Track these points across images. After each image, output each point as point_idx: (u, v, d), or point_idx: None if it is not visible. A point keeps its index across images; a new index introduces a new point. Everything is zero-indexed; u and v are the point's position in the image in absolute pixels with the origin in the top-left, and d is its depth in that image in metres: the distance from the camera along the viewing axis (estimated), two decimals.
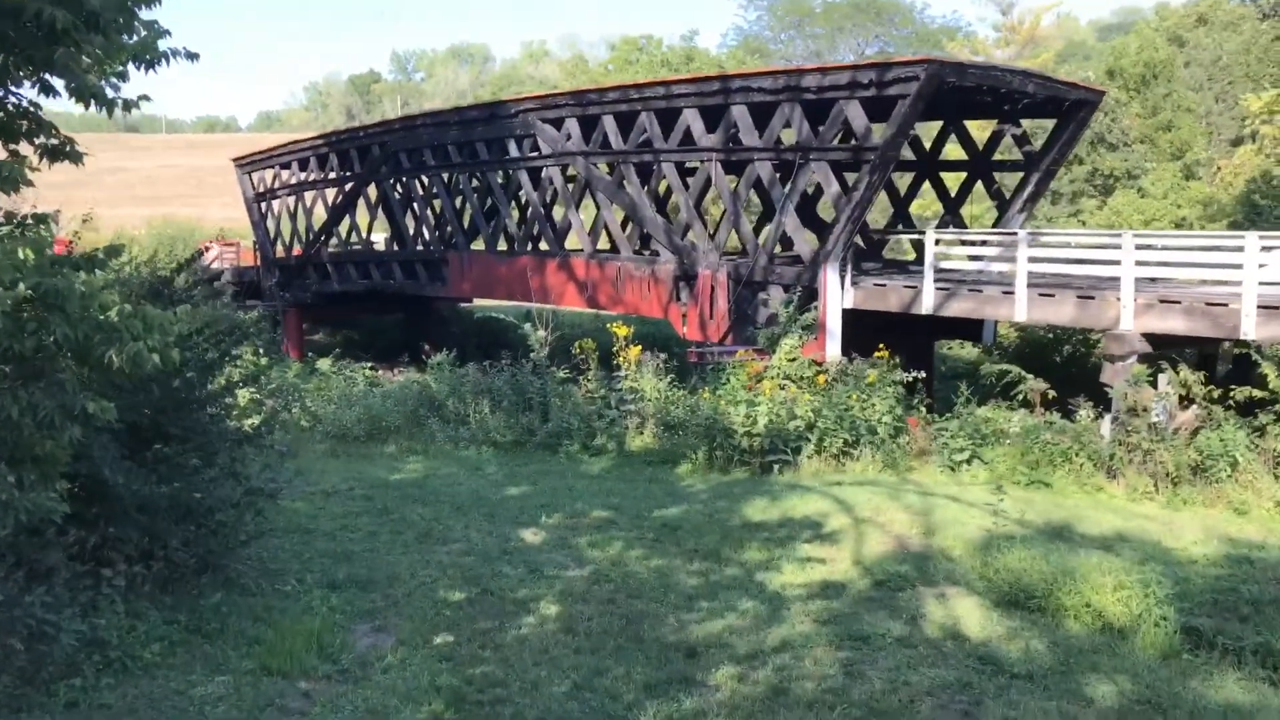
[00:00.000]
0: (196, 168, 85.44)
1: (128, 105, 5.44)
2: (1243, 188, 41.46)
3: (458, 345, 18.56)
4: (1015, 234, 14.78)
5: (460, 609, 7.69)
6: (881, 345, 14.91)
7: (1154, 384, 13.40)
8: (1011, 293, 14.53)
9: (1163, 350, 13.35)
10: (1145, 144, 49.44)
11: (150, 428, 7.58)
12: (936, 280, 15.60)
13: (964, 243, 16.16)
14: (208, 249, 46.92)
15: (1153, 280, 14.11)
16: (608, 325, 20.13)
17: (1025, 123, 19.91)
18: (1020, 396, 14.87)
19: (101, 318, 5.03)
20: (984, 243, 16.00)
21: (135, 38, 5.16)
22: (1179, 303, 12.78)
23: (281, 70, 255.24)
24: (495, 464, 13.93)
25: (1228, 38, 54.00)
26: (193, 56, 5.57)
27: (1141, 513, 11.35)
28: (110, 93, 5.37)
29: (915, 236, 18.70)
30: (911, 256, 22.81)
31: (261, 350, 18.31)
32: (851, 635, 6.74)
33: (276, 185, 36.05)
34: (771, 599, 7.75)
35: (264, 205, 36.74)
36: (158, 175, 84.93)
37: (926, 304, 15.55)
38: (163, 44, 5.30)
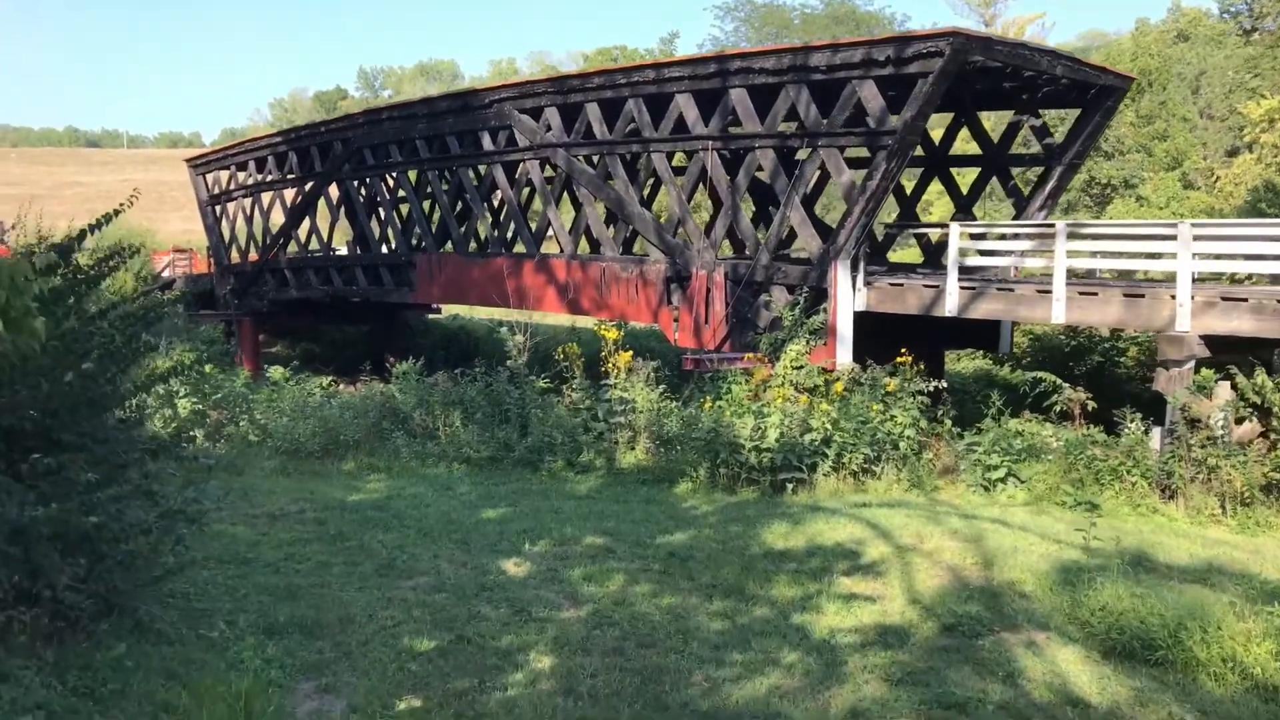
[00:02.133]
0: (157, 182, 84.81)
1: None
2: (1245, 197, 40.87)
3: (427, 358, 17.15)
4: (1052, 225, 13.56)
5: (430, 662, 6.26)
6: (903, 350, 13.61)
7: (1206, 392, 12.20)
8: (1048, 291, 13.29)
9: (1220, 355, 12.13)
10: (1140, 153, 48.91)
11: (35, 433, 6.09)
12: (961, 278, 14.34)
13: (992, 236, 14.92)
14: (160, 258, 45.23)
15: (1198, 279, 12.89)
16: (595, 328, 18.79)
17: (1044, 114, 18.78)
18: (1057, 408, 13.64)
19: None
20: (1015, 235, 14.78)
21: None
22: (1245, 300, 11.58)
23: (248, 87, 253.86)
24: (468, 483, 12.52)
25: (1210, 52, 53.78)
26: None
27: (1217, 538, 10.12)
28: None
29: (933, 230, 17.45)
30: (919, 260, 21.62)
31: (205, 355, 16.83)
32: (940, 701, 5.37)
33: (232, 187, 34.50)
34: (819, 649, 6.37)
35: (219, 208, 35.19)
36: (117, 189, 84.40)
37: (950, 305, 14.30)
38: None
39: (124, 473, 6.63)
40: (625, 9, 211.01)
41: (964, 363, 22.69)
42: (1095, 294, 13.07)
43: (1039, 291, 13.56)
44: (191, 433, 7.66)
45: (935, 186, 22.02)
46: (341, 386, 19.54)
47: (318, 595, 7.87)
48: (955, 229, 14.42)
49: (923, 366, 14.40)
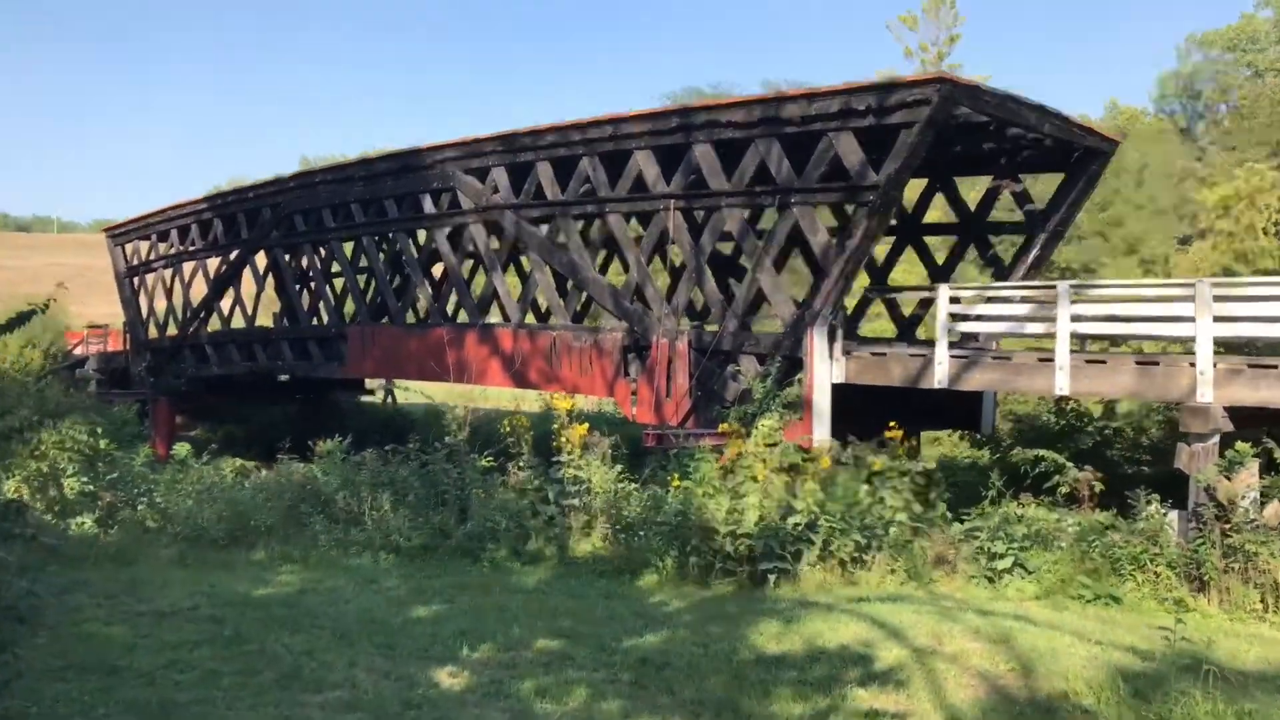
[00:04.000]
0: (86, 266, 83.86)
1: None
2: None
3: (357, 440, 15.65)
4: (1054, 286, 12.61)
5: None
6: (891, 424, 12.47)
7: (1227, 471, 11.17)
8: (1050, 360, 12.27)
9: (1244, 429, 11.15)
10: (1099, 237, 49.35)
11: None
12: (952, 346, 13.30)
13: (987, 300, 13.94)
14: (75, 338, 43.08)
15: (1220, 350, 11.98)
16: (543, 406, 17.44)
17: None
18: (1062, 490, 12.52)
19: None
20: (1008, 300, 13.83)
21: None
22: (1275, 367, 10.61)
23: (188, 175, 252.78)
24: (397, 575, 11.00)
25: (1149, 149, 55.05)
26: None
27: (1273, 637, 8.93)
28: None
29: (914, 295, 16.49)
30: (891, 333, 20.69)
31: (99, 433, 15.17)
32: None
33: (152, 257, 32.86)
34: None
35: (137, 280, 33.48)
36: (44, 273, 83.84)
37: (940, 375, 13.24)
38: None
39: None
40: (580, 100, 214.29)
41: (941, 445, 21.64)
42: (1103, 362, 12.10)
43: (1040, 360, 12.54)
44: (28, 505, 6.11)
45: (906, 257, 21.23)
46: (261, 471, 17.86)
47: (198, 716, 6.36)
48: (944, 292, 13.44)
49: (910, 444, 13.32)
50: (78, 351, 40.96)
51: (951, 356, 13.23)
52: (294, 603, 9.60)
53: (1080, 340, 12.67)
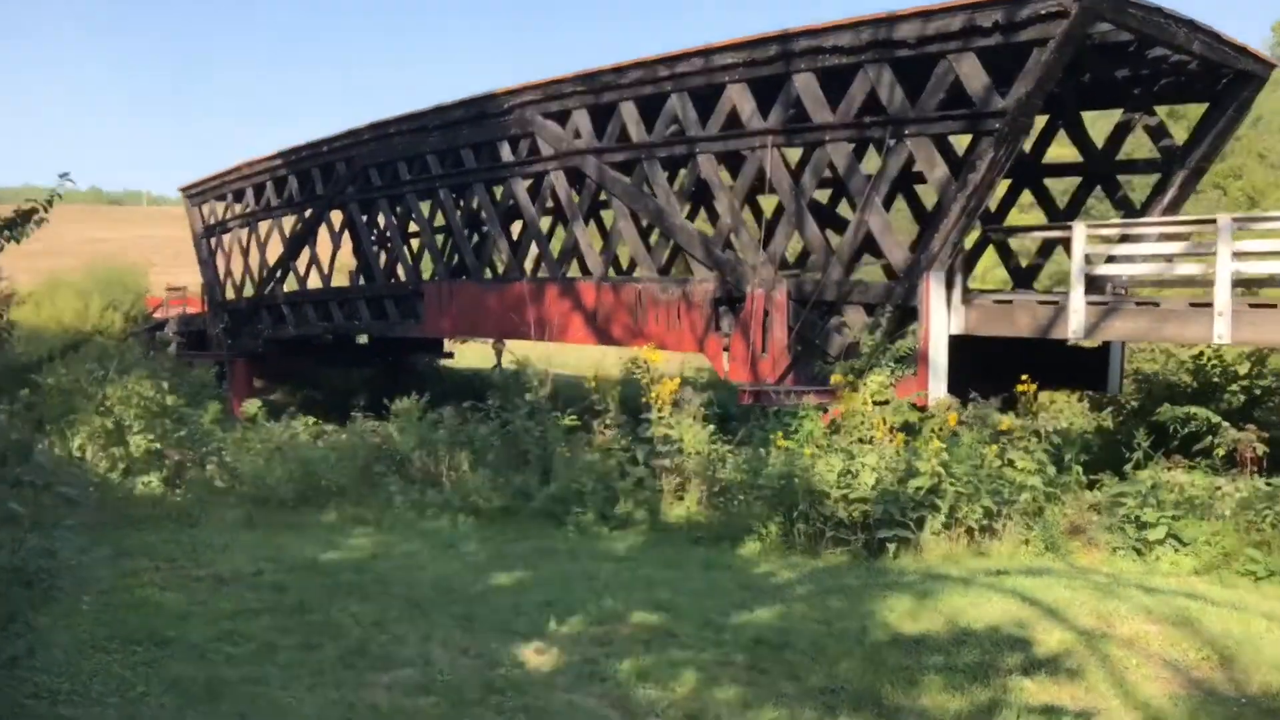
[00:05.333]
0: (174, 238, 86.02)
1: None
2: None
3: (436, 403, 14.98)
4: (1213, 220, 11.22)
5: None
6: (1024, 378, 11.28)
7: None
8: (1206, 305, 10.91)
9: None
10: (1217, 190, 46.61)
11: None
12: (1089, 291, 11.99)
13: (1125, 239, 12.54)
14: (156, 302, 43.44)
15: None
16: (626, 366, 16.49)
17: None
18: (1218, 453, 11.21)
19: None
20: (1156, 237, 12.42)
21: None
22: None
23: (274, 147, 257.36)
24: (476, 540, 10.23)
25: (1271, 94, 51.68)
26: None
27: None
28: None
29: (1046, 235, 15.12)
30: (1005, 285, 19.28)
31: (165, 387, 14.64)
32: None
33: (228, 217, 32.68)
34: None
35: (213, 241, 33.40)
36: (134, 245, 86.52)
37: (1075, 324, 11.94)
38: None
39: None
40: None
41: (1057, 406, 20.17)
42: (1273, 306, 10.70)
43: (1193, 305, 11.19)
44: (40, 446, 5.36)
45: (1019, 202, 19.73)
46: (339, 433, 17.28)
47: (248, 697, 5.60)
48: (1080, 230, 12.10)
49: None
50: (158, 315, 41.27)
51: (1088, 303, 11.91)
52: (365, 568, 8.88)
53: (1244, 284, 11.26)
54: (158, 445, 13.58)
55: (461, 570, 8.74)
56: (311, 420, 15.61)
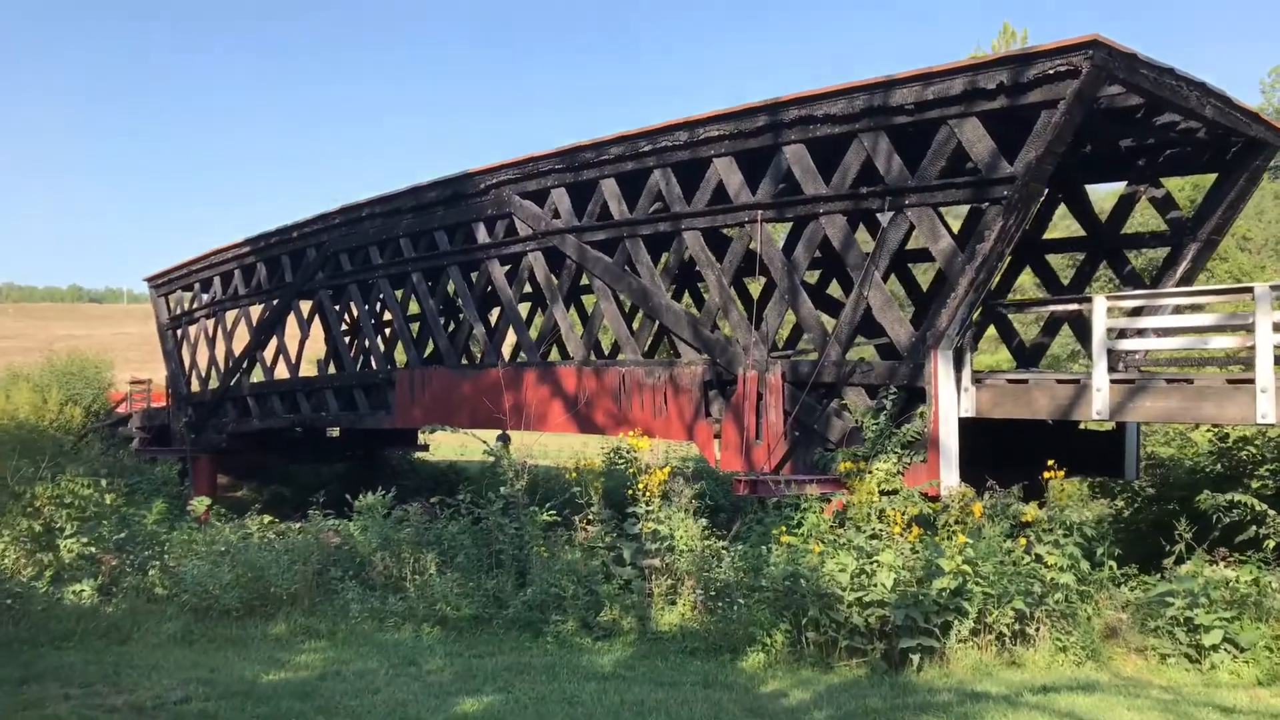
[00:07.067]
0: (151, 334, 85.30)
1: None
2: None
3: (406, 499, 13.90)
4: (1249, 288, 10.41)
5: None
6: (1051, 463, 10.33)
7: None
8: (1247, 382, 10.03)
9: None
10: (1205, 274, 46.38)
11: None
12: (1112, 369, 11.10)
13: (1138, 311, 11.65)
14: (119, 399, 42.10)
15: None
16: (611, 458, 15.44)
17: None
18: (1271, 545, 10.23)
19: None
20: (1178, 309, 11.58)
21: None
22: None
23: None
24: (441, 654, 9.11)
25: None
26: None
27: None
28: None
29: (1069, 308, 14.30)
30: (1007, 364, 18.43)
31: (106, 484, 13.49)
32: None
33: (194, 307, 31.70)
34: None
35: (179, 332, 32.37)
36: (110, 342, 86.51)
37: (1099, 404, 11.03)
38: None
39: None
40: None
41: (1065, 494, 19.19)
42: None
43: (1231, 382, 10.29)
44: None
45: (1018, 283, 19.04)
46: (297, 528, 16.07)
47: None
48: (1101, 304, 11.26)
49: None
50: (121, 409, 39.99)
51: (1112, 382, 11.01)
52: (310, 693, 7.73)
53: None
54: (93, 549, 12.43)
55: (421, 694, 7.59)
56: (268, 519, 14.40)
